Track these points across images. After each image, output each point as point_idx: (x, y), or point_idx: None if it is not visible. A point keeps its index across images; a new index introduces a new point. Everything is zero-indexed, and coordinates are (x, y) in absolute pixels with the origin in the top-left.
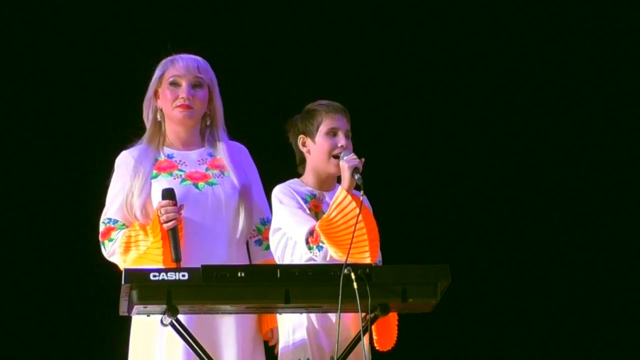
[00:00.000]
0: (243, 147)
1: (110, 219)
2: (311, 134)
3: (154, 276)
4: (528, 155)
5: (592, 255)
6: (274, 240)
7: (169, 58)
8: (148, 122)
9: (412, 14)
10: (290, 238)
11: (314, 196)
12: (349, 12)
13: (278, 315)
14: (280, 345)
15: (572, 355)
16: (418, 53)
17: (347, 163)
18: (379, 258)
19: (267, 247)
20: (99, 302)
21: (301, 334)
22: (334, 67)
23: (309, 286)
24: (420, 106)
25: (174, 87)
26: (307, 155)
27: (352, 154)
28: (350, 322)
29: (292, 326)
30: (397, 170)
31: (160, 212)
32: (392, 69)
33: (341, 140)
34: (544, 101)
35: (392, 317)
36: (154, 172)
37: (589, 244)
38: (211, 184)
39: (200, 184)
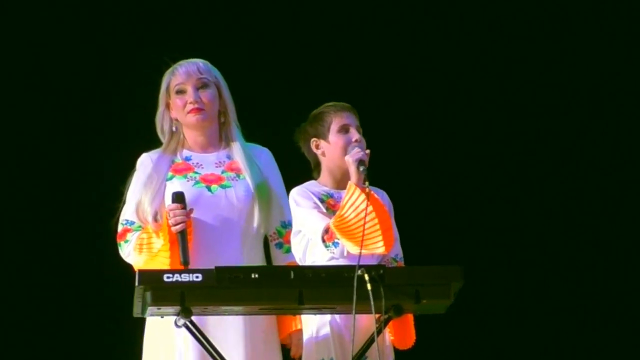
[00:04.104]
0: (265, 149)
1: (127, 221)
2: (323, 135)
3: (168, 278)
4: (537, 156)
5: (607, 256)
6: (295, 242)
7: (170, 69)
8: (164, 134)
9: (425, 14)
10: (310, 239)
11: (330, 195)
12: (364, 13)
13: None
14: (305, 344)
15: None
16: (428, 54)
17: (352, 157)
18: (400, 254)
19: (288, 250)
20: (114, 302)
21: (325, 334)
22: (350, 70)
23: (322, 288)
24: (422, 107)
25: (181, 95)
26: (321, 158)
27: (357, 147)
28: (372, 322)
29: (317, 326)
30: (410, 170)
31: (169, 216)
32: (401, 69)
33: (354, 135)
34: (543, 101)
35: (409, 316)
36: (170, 174)
37: (596, 245)
38: (224, 187)
39: (214, 186)
